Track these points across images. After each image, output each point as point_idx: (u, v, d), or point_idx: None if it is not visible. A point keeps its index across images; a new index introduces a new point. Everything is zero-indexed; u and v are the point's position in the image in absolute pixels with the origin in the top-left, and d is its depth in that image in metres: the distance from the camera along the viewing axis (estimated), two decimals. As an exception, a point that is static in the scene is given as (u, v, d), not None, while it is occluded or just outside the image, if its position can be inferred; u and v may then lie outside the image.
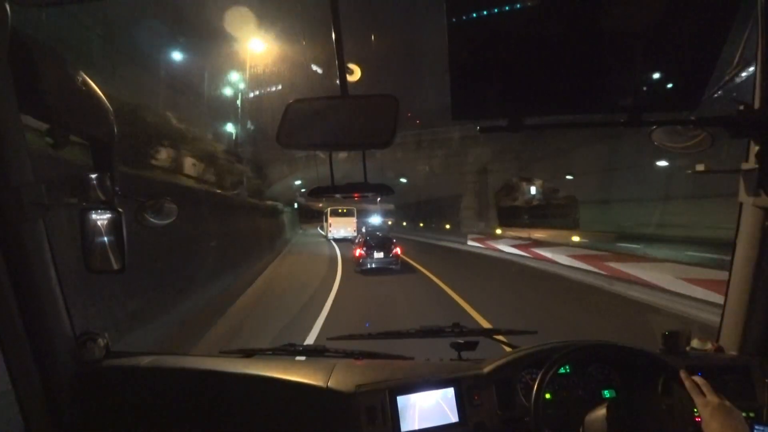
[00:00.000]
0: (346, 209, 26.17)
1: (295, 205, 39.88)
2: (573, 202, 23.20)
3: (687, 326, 1.29)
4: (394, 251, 11.07)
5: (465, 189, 22.88)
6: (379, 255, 10.90)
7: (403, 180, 27.17)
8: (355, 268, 11.09)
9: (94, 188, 0.96)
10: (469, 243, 18.25)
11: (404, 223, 37.80)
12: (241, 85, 20.88)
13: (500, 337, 1.45)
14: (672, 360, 1.14)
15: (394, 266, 10.98)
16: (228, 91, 20.57)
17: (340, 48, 0.80)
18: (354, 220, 26.04)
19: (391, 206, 43.34)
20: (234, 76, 20.29)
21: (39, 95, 0.88)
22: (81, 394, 1.03)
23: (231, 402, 1.08)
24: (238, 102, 20.94)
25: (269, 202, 19.49)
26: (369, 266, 10.79)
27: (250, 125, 22.30)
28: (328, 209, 26.78)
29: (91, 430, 1.04)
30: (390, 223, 43.83)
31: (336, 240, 23.14)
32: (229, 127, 20.52)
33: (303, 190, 26.83)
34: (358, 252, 11.15)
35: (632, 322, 5.75)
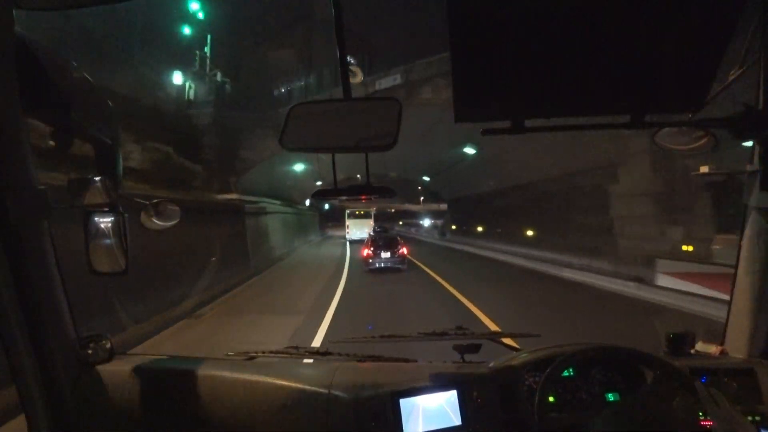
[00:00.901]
0: (363, 211, 26.80)
1: (326, 206, 36.38)
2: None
3: (692, 328, 1.28)
4: (400, 251, 11.81)
5: (626, 155, 9.37)
6: (386, 255, 11.71)
7: (471, 150, 15.34)
8: (364, 268, 11.85)
9: (97, 190, 0.97)
10: (662, 282, 7.65)
11: (480, 228, 21.19)
12: (200, 15, 17.64)
13: (503, 340, 1.44)
14: (677, 363, 1.13)
15: (400, 266, 11.72)
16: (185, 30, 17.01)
17: (343, 51, 0.81)
18: (371, 222, 26.55)
19: (443, 206, 29.88)
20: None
21: (43, 97, 0.88)
22: (84, 396, 1.03)
23: (234, 404, 1.08)
24: (207, 50, 17.74)
25: (233, 196, 12.34)
26: (377, 265, 11.62)
27: (221, 78, 17.96)
28: (347, 211, 27.14)
29: None
30: (441, 222, 31.17)
31: (352, 242, 22.96)
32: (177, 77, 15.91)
33: (319, 183, 20.06)
34: (366, 252, 11.97)
35: None
